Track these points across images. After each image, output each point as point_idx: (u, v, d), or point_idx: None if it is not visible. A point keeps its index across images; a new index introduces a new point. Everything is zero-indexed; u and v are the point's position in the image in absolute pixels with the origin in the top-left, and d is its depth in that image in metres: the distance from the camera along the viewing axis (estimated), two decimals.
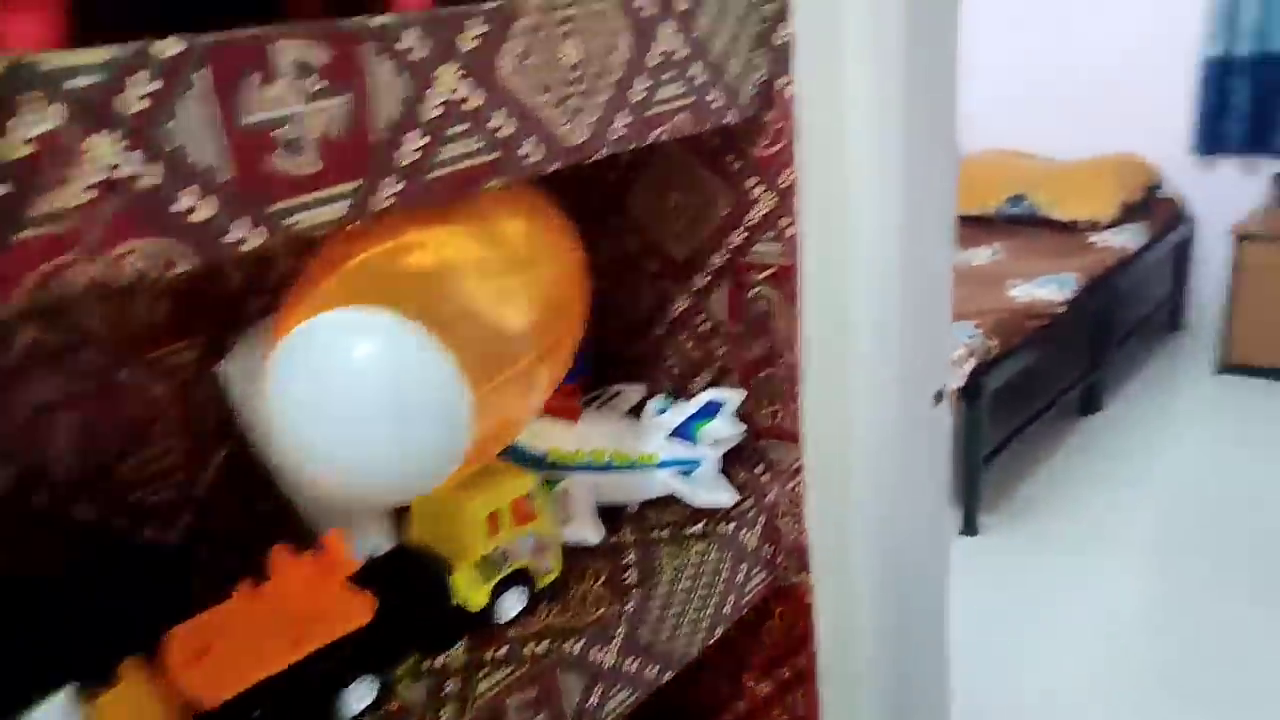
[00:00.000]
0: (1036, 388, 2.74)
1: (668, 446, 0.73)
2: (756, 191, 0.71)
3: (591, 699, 0.64)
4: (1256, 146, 3.17)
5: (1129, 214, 3.16)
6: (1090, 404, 2.95)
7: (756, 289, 0.75)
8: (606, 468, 0.73)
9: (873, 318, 0.80)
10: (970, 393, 2.26)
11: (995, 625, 2.05)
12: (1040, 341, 2.53)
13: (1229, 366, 3.07)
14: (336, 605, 0.55)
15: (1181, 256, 3.44)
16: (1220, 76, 3.14)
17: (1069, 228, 3.16)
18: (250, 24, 0.41)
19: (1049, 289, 2.64)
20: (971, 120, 3.79)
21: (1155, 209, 3.26)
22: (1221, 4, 3.05)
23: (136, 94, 0.37)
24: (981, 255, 3.07)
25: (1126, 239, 3.02)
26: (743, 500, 0.76)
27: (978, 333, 2.31)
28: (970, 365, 2.23)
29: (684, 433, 0.74)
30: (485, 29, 0.48)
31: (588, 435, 0.74)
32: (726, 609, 0.74)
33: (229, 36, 0.39)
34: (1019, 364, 2.45)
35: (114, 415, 0.66)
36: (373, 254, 0.54)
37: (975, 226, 3.34)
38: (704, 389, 0.78)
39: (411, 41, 0.45)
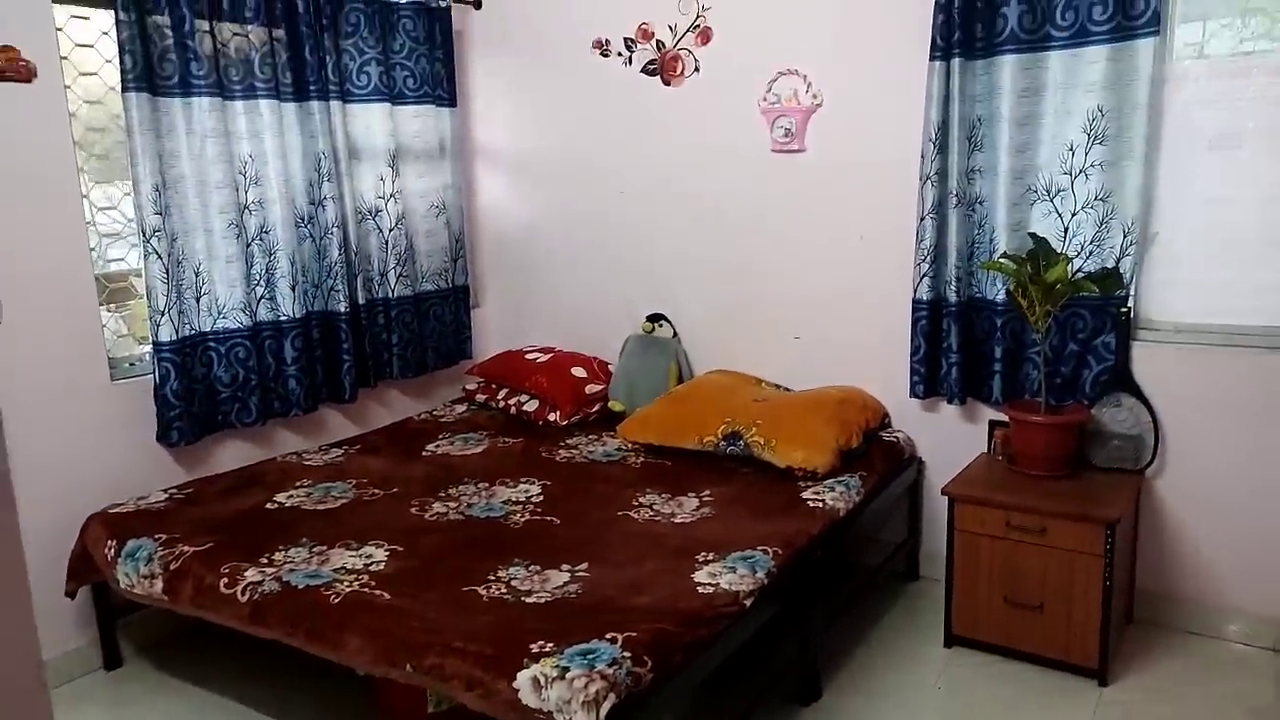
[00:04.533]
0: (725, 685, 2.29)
1: None
2: None
3: None
4: (971, 392, 3.00)
5: (849, 462, 2.87)
6: (807, 691, 2.53)
7: None
8: None
9: None
10: None
11: None
12: (719, 646, 2.08)
13: (957, 638, 2.75)
14: None
15: (914, 500, 3.19)
16: (931, 319, 2.98)
17: (786, 475, 2.83)
18: None
19: (739, 572, 2.22)
20: (699, 335, 3.68)
21: (878, 453, 3.00)
22: (927, 248, 2.92)
23: None
24: (688, 506, 2.67)
25: (842, 496, 2.70)
26: None
27: (622, 656, 1.82)
28: (607, 705, 1.73)
29: None
30: None
31: None
32: None
33: None
34: (683, 688, 1.99)
35: None
36: None
37: (696, 464, 2.98)
38: None
39: None
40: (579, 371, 3.54)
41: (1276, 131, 2.56)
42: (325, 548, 2.41)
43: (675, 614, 2.01)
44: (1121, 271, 2.70)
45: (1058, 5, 2.68)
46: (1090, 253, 2.75)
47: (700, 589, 2.15)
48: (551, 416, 3.44)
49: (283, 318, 3.17)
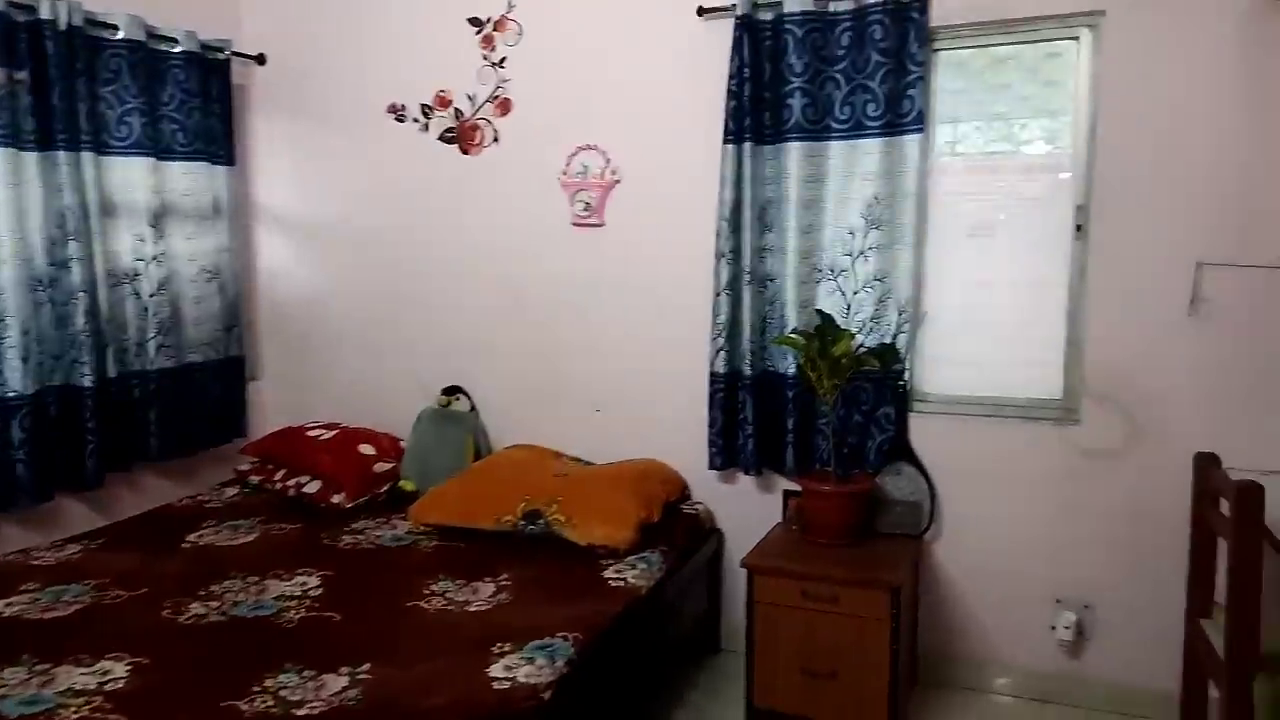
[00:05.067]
0: None
1: None
2: None
3: None
4: (766, 463, 3.06)
5: (649, 537, 2.83)
6: None
7: None
8: None
9: None
10: None
11: None
12: None
13: (759, 711, 2.73)
14: None
15: (715, 572, 3.19)
16: (727, 392, 3.03)
17: (587, 553, 2.74)
18: None
19: (538, 662, 2.09)
20: (498, 409, 3.58)
21: (679, 527, 2.98)
22: (723, 323, 2.99)
23: None
24: (485, 592, 2.51)
25: (643, 573, 2.64)
26: None
27: None
28: None
29: None
30: None
31: None
32: None
33: None
34: None
35: None
36: None
37: (494, 546, 2.82)
38: None
39: None
40: (367, 449, 3.30)
41: (1023, 222, 2.85)
42: (51, 665, 2.04)
43: (468, 715, 1.85)
44: (898, 347, 2.87)
45: (836, 100, 2.86)
46: (870, 329, 2.90)
47: (496, 685, 1.99)
48: (335, 499, 3.17)
49: (10, 394, 2.75)
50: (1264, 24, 2.47)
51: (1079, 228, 2.76)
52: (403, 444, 3.40)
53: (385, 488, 3.28)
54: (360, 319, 3.64)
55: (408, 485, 3.27)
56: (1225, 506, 2.21)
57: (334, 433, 3.38)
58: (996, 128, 2.89)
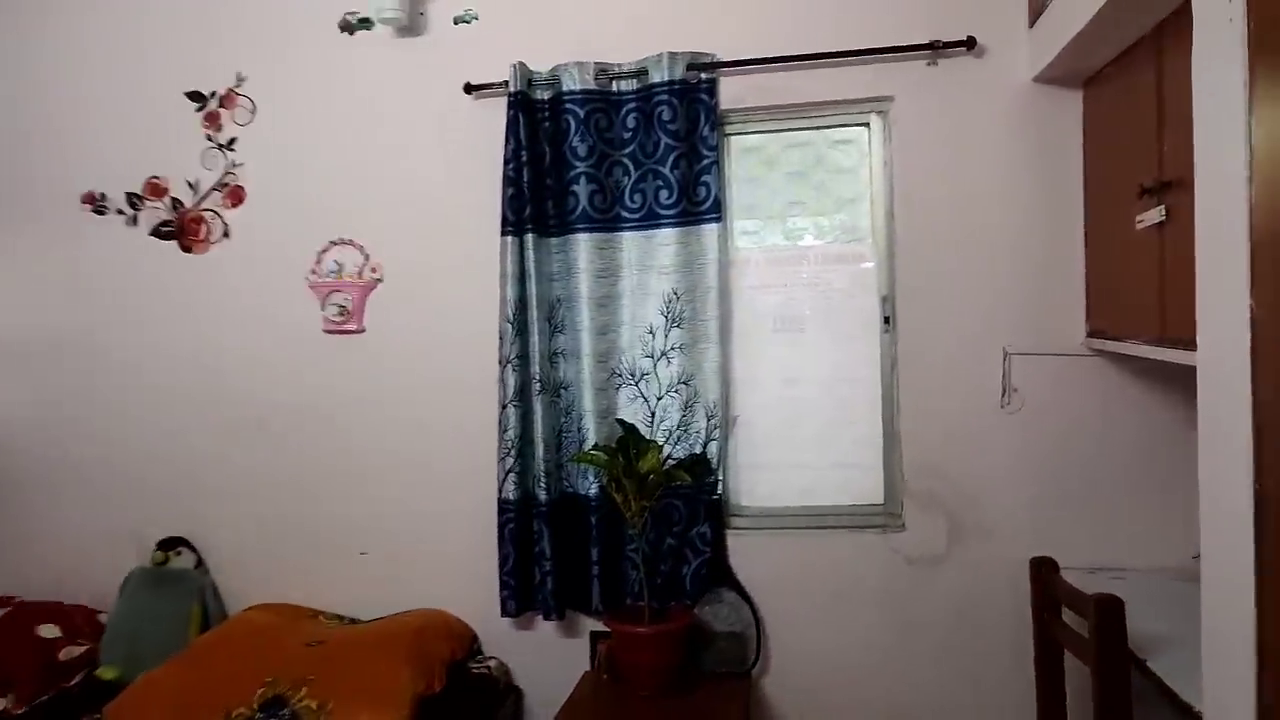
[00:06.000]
0: None
1: None
2: None
3: None
4: (569, 603, 2.61)
5: (431, 713, 2.27)
6: None
7: None
8: None
9: None
10: None
11: None
12: None
13: None
14: None
15: None
16: (520, 522, 2.58)
17: None
18: None
19: None
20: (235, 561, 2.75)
21: (467, 693, 2.44)
22: (512, 440, 2.56)
23: None
24: None
25: None
26: None
27: None
28: None
29: None
30: None
31: None
32: None
33: None
34: None
35: None
36: None
37: None
38: None
39: None
40: (49, 630, 2.53)
41: (831, 316, 2.65)
42: None
43: None
44: (709, 457, 2.55)
45: (626, 187, 2.58)
46: (678, 438, 2.57)
47: None
48: (2, 703, 2.36)
49: None
50: (1043, 102, 2.45)
51: (886, 319, 2.60)
52: (102, 618, 2.65)
53: (77, 679, 2.51)
54: (47, 459, 2.87)
55: (107, 673, 2.51)
56: (1069, 614, 2.03)
57: (3, 611, 2.57)
58: (794, 218, 2.71)
